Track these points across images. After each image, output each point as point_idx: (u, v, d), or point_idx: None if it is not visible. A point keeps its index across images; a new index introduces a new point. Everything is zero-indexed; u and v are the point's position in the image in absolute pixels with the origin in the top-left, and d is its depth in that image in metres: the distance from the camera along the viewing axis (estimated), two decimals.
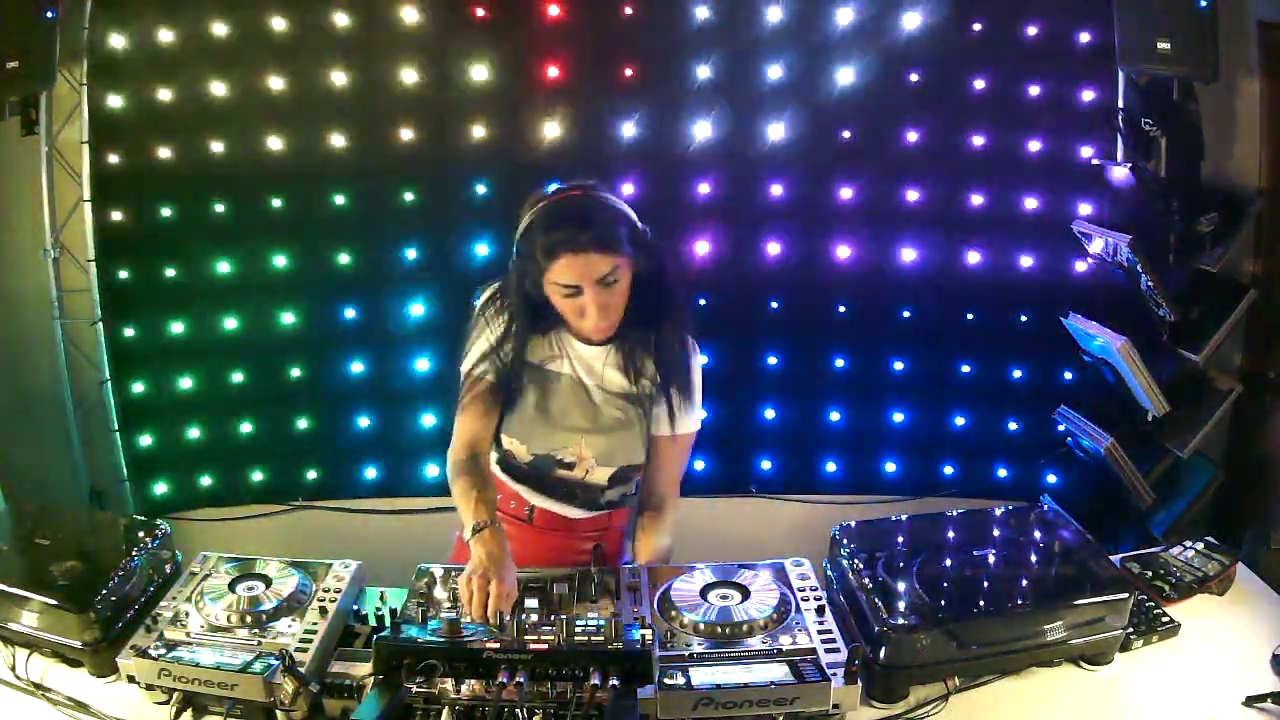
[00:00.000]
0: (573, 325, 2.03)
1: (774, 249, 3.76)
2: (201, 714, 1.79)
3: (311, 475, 3.96)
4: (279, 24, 3.53)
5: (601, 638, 1.68)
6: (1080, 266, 3.66)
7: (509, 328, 2.06)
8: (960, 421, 3.94)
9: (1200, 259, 3.17)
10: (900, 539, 2.13)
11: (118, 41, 3.50)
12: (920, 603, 1.89)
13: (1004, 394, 3.89)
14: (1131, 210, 3.41)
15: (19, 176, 3.55)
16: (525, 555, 2.10)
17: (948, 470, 3.99)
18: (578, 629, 1.70)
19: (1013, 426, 3.93)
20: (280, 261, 3.76)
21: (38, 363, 3.74)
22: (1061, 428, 3.60)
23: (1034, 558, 2.07)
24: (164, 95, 3.58)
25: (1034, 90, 3.59)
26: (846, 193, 3.70)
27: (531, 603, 1.93)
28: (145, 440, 3.90)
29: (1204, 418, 3.19)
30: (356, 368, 3.87)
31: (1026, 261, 3.75)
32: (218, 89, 3.57)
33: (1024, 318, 3.80)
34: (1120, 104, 3.44)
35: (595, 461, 2.15)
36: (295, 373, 3.87)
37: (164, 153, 3.63)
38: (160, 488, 3.93)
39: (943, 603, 1.91)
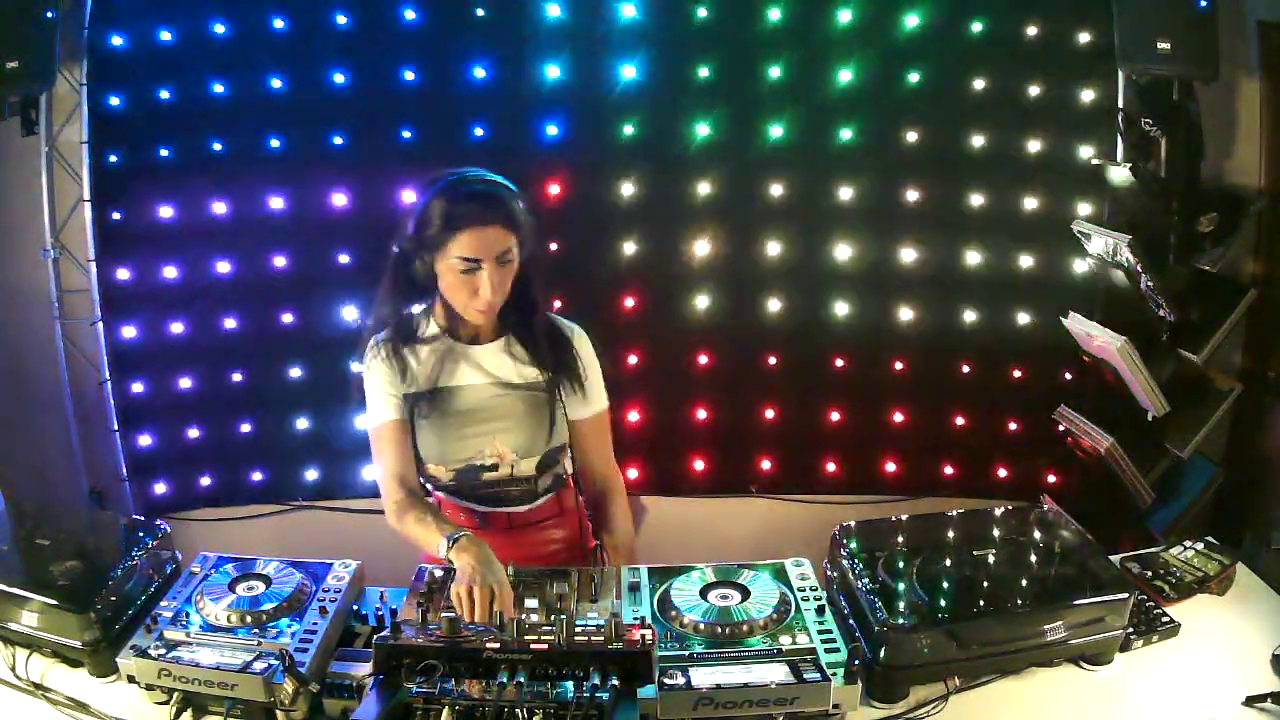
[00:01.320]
0: (460, 306, 2.06)
1: (774, 249, 3.76)
2: (201, 714, 1.80)
3: (311, 475, 3.96)
4: (279, 24, 3.53)
5: (601, 638, 1.68)
6: (1080, 266, 3.66)
7: (395, 367, 2.14)
8: (960, 421, 3.93)
9: (1200, 259, 3.17)
10: (900, 539, 2.14)
11: (118, 41, 3.50)
12: (920, 603, 1.89)
13: (1004, 394, 3.88)
14: (1131, 210, 3.41)
15: (19, 176, 3.55)
16: (510, 560, 2.09)
17: (948, 470, 3.98)
18: (578, 629, 1.70)
19: (1013, 426, 3.93)
20: (280, 261, 3.76)
21: (38, 363, 3.74)
22: (1061, 428, 3.59)
23: (1034, 558, 2.07)
24: (164, 95, 3.57)
25: (1034, 90, 3.58)
26: (846, 193, 3.70)
27: (531, 603, 1.93)
28: (145, 440, 3.89)
29: (1204, 418, 3.19)
30: (355, 368, 3.85)
31: (1026, 261, 3.75)
32: (218, 89, 3.57)
33: (1024, 318, 3.80)
34: (1120, 104, 3.44)
35: (516, 455, 2.18)
36: (295, 373, 3.87)
37: (164, 153, 3.62)
38: (160, 488, 3.92)
39: (943, 603, 1.92)
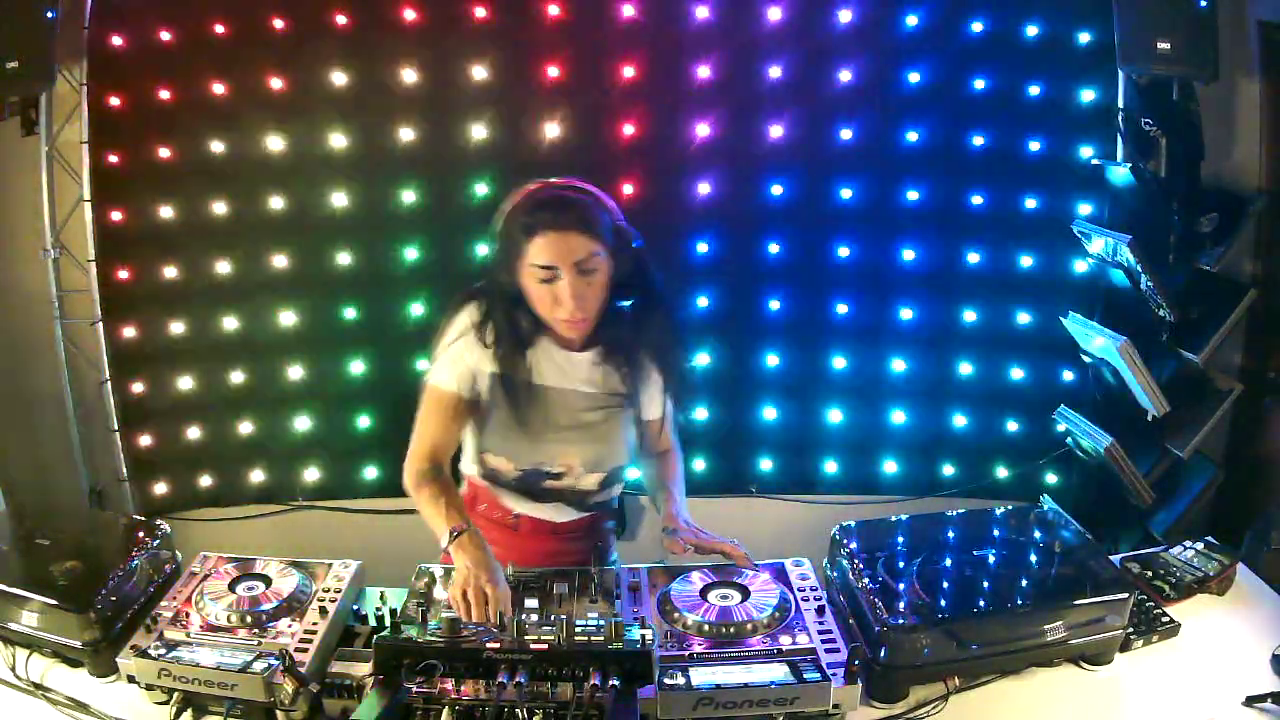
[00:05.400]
0: (547, 318, 2.00)
1: (774, 249, 3.76)
2: (201, 714, 1.79)
3: (311, 475, 3.96)
4: (279, 24, 3.53)
5: (601, 638, 1.68)
6: (1080, 266, 3.66)
7: (490, 345, 2.03)
8: (960, 421, 3.93)
9: (1200, 259, 3.18)
10: (900, 539, 2.14)
11: (118, 41, 3.50)
12: (920, 603, 1.89)
13: (1004, 394, 3.88)
14: (1131, 210, 3.41)
15: (19, 176, 3.55)
16: (511, 561, 2.07)
17: (948, 470, 3.98)
18: (578, 629, 1.70)
19: (1013, 426, 3.92)
20: (280, 261, 3.76)
21: (38, 363, 3.74)
22: (1061, 428, 3.60)
23: (1034, 558, 2.07)
24: (164, 95, 3.57)
25: (1034, 90, 3.58)
26: (846, 192, 3.69)
27: (531, 603, 1.93)
28: (145, 440, 3.89)
29: (1204, 418, 3.19)
30: (356, 368, 3.87)
31: (1026, 261, 3.74)
32: (218, 89, 3.57)
33: (1024, 318, 3.80)
34: (1120, 104, 3.44)
35: (584, 469, 2.15)
36: (295, 373, 3.87)
37: (164, 153, 3.62)
38: (160, 488, 3.92)
39: (943, 603, 1.92)
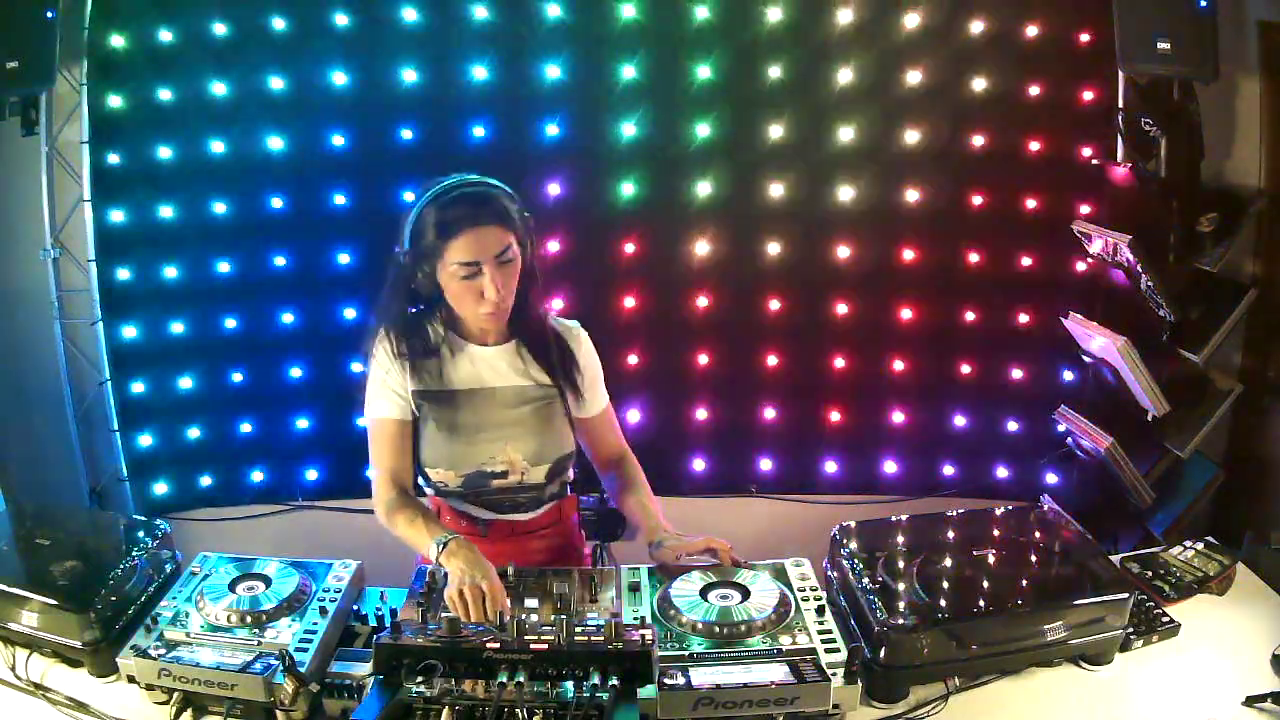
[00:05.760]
0: (470, 314, 2.04)
1: (774, 249, 3.76)
2: (201, 714, 1.80)
3: (311, 475, 3.96)
4: (279, 24, 3.53)
5: (601, 638, 1.68)
6: (1080, 266, 3.66)
7: (411, 361, 2.09)
8: (960, 421, 3.93)
9: (1200, 259, 3.17)
10: (900, 539, 2.14)
11: (118, 41, 3.50)
12: (920, 603, 1.89)
13: (1004, 394, 3.88)
14: (1131, 210, 3.41)
15: (19, 176, 3.55)
16: (511, 561, 2.07)
17: (948, 470, 3.98)
18: (578, 629, 1.70)
19: (1013, 426, 3.92)
20: (280, 261, 3.76)
21: (38, 363, 3.74)
22: (1061, 428, 3.59)
23: (1034, 558, 2.07)
24: (164, 95, 3.57)
25: (1034, 90, 3.58)
26: (847, 192, 3.69)
27: (531, 603, 1.93)
28: (145, 440, 3.89)
29: (1204, 418, 3.19)
30: (356, 368, 3.85)
31: (1026, 261, 3.74)
32: (218, 89, 3.57)
33: (1024, 318, 3.80)
34: (1120, 104, 3.44)
35: (527, 463, 2.15)
36: (295, 373, 3.87)
37: (164, 153, 3.62)
38: (160, 488, 3.92)
39: (943, 603, 1.92)
